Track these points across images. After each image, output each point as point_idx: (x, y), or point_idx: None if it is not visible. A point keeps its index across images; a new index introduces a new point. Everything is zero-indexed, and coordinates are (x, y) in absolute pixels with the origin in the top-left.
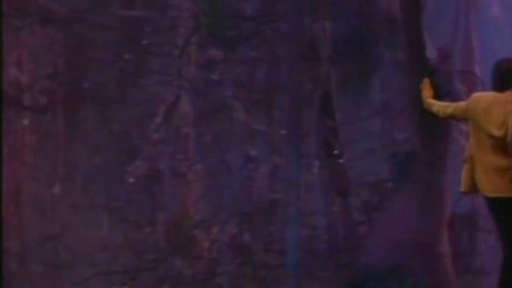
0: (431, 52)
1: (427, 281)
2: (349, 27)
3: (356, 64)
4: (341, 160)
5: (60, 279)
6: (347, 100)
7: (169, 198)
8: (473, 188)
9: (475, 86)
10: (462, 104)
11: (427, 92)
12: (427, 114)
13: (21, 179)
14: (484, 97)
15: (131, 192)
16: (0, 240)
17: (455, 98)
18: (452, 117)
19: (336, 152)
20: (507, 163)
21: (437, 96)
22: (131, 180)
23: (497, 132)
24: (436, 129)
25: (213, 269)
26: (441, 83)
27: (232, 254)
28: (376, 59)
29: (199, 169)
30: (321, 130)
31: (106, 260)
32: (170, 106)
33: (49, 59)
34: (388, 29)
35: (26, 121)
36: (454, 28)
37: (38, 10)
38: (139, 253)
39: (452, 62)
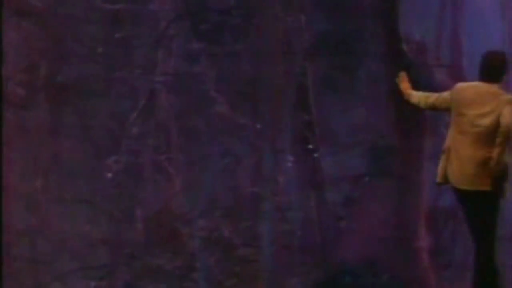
0: (408, 45)
1: (404, 276)
2: (329, 20)
3: (337, 58)
4: (315, 155)
5: (40, 273)
6: (326, 94)
7: (150, 193)
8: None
9: (462, 79)
10: (444, 94)
11: (405, 85)
12: (405, 108)
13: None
14: (470, 87)
15: (111, 186)
16: (0, 240)
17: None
18: (433, 107)
19: (310, 146)
20: (486, 155)
21: (415, 89)
22: (110, 174)
23: (483, 121)
24: (413, 123)
25: (193, 264)
26: (419, 76)
27: (211, 248)
28: (357, 53)
29: (179, 163)
30: (297, 125)
31: (86, 255)
32: (150, 99)
33: (29, 52)
34: (369, 21)
35: (5, 114)
36: (441, 21)
37: (16, 4)
38: (118, 248)
39: (428, 55)
